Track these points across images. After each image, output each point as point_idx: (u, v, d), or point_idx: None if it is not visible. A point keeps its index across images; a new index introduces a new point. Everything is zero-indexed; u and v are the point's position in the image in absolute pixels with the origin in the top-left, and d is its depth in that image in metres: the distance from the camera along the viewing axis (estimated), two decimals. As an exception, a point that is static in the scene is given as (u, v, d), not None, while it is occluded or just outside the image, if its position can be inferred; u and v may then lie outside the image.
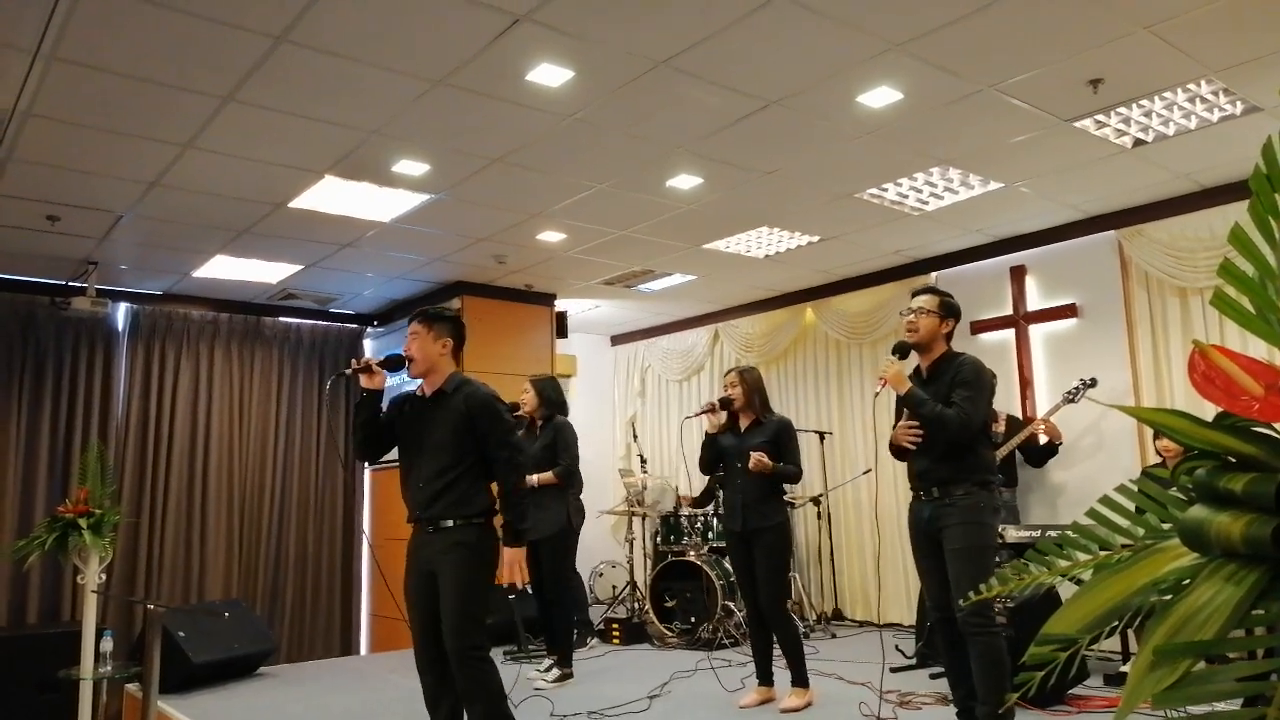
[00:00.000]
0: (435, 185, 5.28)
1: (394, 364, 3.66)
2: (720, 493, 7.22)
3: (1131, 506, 1.11)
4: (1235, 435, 0.91)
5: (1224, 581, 0.85)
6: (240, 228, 5.92)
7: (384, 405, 3.75)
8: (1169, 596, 0.88)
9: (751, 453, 4.56)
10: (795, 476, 4.73)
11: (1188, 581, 0.90)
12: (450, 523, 3.45)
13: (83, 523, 5.03)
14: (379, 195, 5.40)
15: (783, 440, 4.69)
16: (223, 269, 6.83)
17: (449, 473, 3.47)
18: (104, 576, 5.34)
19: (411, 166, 4.98)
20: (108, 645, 4.92)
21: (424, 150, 4.80)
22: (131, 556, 7.16)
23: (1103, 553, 1.06)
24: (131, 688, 5.35)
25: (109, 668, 4.88)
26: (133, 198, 5.34)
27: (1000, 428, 6.01)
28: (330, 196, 5.39)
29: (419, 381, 3.73)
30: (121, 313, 7.36)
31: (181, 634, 5.41)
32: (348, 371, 3.70)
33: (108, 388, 7.23)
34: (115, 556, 6.84)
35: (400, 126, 4.49)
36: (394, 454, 3.78)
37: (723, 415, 4.83)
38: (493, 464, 3.53)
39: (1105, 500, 1.11)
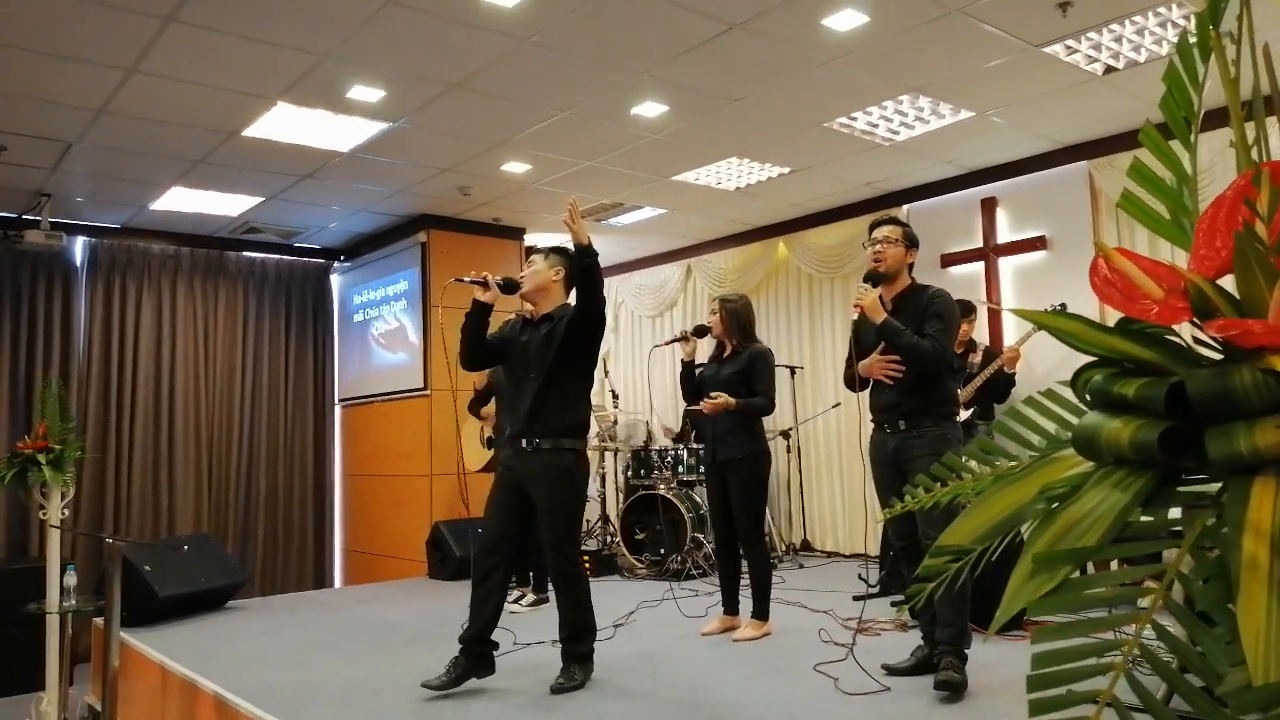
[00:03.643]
0: (393, 112, 5.14)
1: (509, 286, 3.93)
2: (693, 428, 7.29)
3: (1042, 420, 1.08)
4: (1132, 339, 0.87)
5: (1111, 488, 0.82)
6: (194, 157, 5.77)
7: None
8: (1056, 505, 0.85)
9: (707, 396, 4.55)
10: (762, 409, 4.69)
11: (1081, 490, 0.87)
12: (546, 444, 3.73)
13: (42, 458, 4.98)
14: (335, 123, 5.26)
15: (754, 370, 4.65)
16: (181, 201, 6.68)
17: (548, 387, 3.75)
18: (67, 512, 5.31)
19: (366, 92, 4.84)
20: (71, 580, 4.91)
21: (378, 75, 4.66)
22: (99, 494, 7.13)
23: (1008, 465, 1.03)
24: (99, 621, 5.35)
25: (73, 602, 4.88)
26: (81, 125, 5.17)
27: (977, 358, 6.01)
28: (284, 124, 5.24)
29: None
30: (79, 246, 7.21)
31: (147, 568, 5.41)
32: (466, 279, 3.90)
33: (68, 323, 7.11)
34: (80, 493, 6.81)
35: (352, 49, 4.34)
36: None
37: (694, 343, 4.81)
38: (583, 322, 3.77)
39: (1013, 413, 1.08)
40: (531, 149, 5.89)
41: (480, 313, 3.88)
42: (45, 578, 4.87)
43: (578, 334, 3.77)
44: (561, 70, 4.66)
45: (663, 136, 5.70)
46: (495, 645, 3.80)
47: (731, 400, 4.52)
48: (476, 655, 3.72)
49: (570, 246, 3.81)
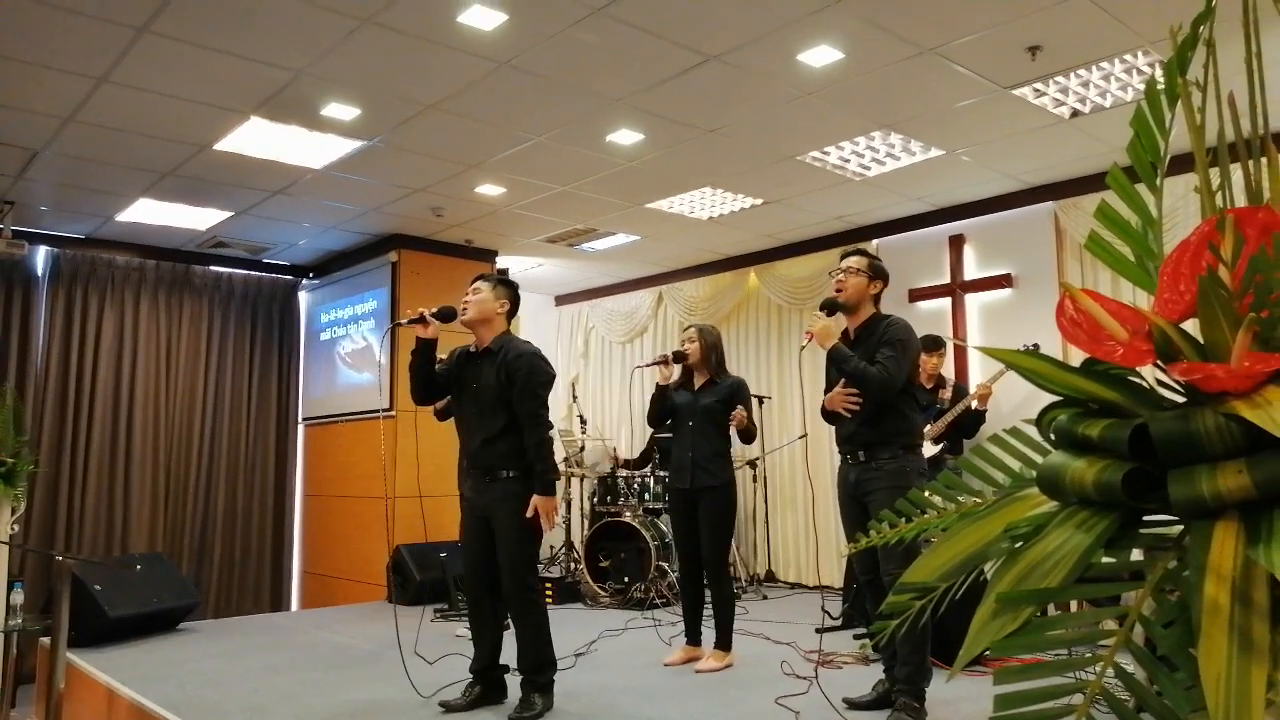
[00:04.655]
0: (367, 131, 5.12)
1: (447, 315, 3.86)
2: (658, 455, 7.27)
3: (1007, 457, 1.08)
4: (1097, 380, 0.88)
5: (1075, 528, 0.82)
6: (163, 169, 5.70)
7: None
8: (1020, 544, 0.85)
9: (738, 407, 4.54)
10: (754, 436, 4.71)
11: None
12: (505, 472, 3.75)
13: (-8, 471, 4.87)
14: (309, 140, 5.22)
15: (739, 400, 4.65)
16: (148, 213, 6.58)
17: (500, 427, 3.76)
18: (16, 527, 5.18)
19: (341, 110, 4.82)
20: (18, 597, 4.79)
21: (354, 93, 4.64)
22: (51, 509, 6.95)
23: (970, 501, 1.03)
24: (46, 641, 5.20)
25: (19, 620, 4.74)
26: (48, 133, 5.10)
27: (947, 394, 6.05)
28: (257, 139, 5.19)
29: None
30: (41, 256, 7.07)
31: (98, 587, 5.26)
32: (404, 322, 3.90)
33: (26, 333, 6.96)
34: (33, 508, 6.64)
35: (328, 66, 4.32)
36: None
37: (675, 369, 4.80)
38: (518, 414, 3.75)
39: (978, 450, 1.08)
40: (506, 172, 5.89)
41: (425, 349, 3.86)
42: (-10, 594, 4.74)
43: (518, 385, 3.77)
44: (538, 95, 4.67)
45: (637, 164, 5.72)
46: (506, 669, 3.92)
47: (746, 416, 4.54)
48: (489, 681, 3.87)
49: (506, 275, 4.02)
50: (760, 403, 7.66)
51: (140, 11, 3.78)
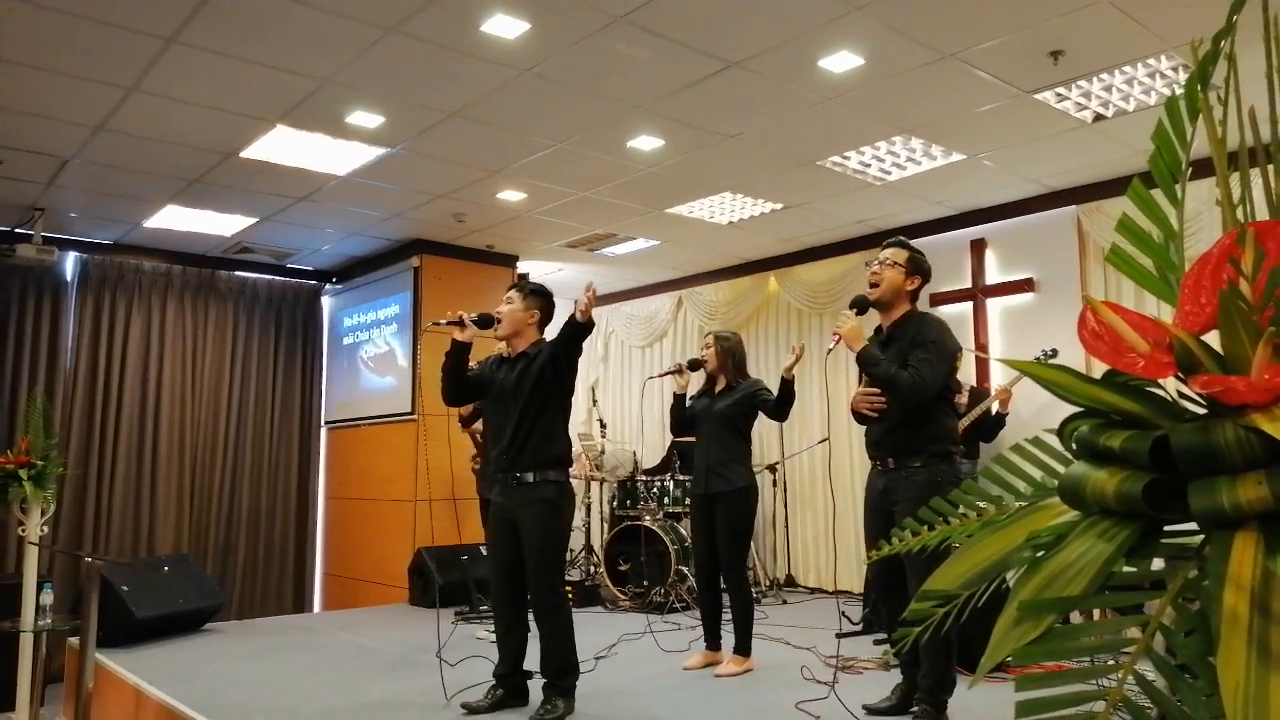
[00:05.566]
0: (391, 138, 5.18)
1: (485, 322, 3.96)
2: (678, 460, 7.28)
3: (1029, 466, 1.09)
4: (1118, 392, 0.89)
5: (1096, 538, 0.83)
6: (190, 177, 5.78)
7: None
8: (1042, 553, 0.86)
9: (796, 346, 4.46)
10: (786, 407, 4.59)
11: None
12: (530, 476, 3.79)
13: (23, 474, 4.94)
14: (333, 147, 5.28)
15: (758, 400, 4.66)
16: (175, 219, 6.68)
17: (526, 423, 3.82)
18: (46, 529, 5.25)
19: (366, 118, 4.87)
20: (47, 598, 4.85)
21: (378, 101, 4.69)
22: (79, 510, 7.05)
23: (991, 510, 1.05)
24: (74, 641, 5.28)
25: (49, 620, 4.81)
26: (78, 142, 5.18)
27: (963, 399, 6.00)
28: (283, 147, 5.26)
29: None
30: (70, 262, 7.19)
31: (125, 588, 5.34)
32: (442, 322, 4.00)
33: (55, 338, 7.07)
34: (61, 510, 6.74)
35: (353, 75, 4.38)
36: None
37: (688, 377, 4.81)
38: (555, 357, 3.83)
39: (1000, 460, 1.10)
40: (527, 178, 5.93)
41: (459, 352, 3.94)
42: (20, 595, 4.81)
43: (553, 368, 3.83)
44: (560, 102, 4.70)
45: (658, 170, 5.75)
46: (529, 675, 3.93)
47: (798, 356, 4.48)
48: (512, 686, 3.90)
49: (539, 283, 4.11)
50: (780, 407, 7.66)
51: (169, 22, 3.85)
